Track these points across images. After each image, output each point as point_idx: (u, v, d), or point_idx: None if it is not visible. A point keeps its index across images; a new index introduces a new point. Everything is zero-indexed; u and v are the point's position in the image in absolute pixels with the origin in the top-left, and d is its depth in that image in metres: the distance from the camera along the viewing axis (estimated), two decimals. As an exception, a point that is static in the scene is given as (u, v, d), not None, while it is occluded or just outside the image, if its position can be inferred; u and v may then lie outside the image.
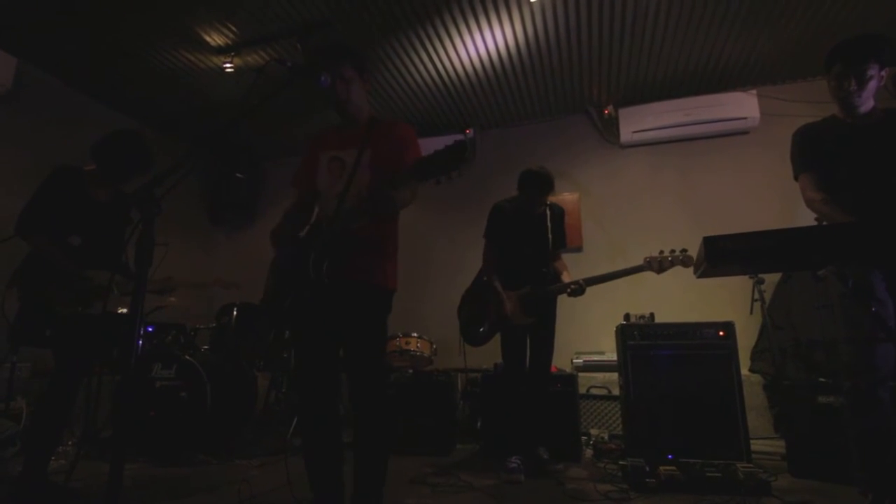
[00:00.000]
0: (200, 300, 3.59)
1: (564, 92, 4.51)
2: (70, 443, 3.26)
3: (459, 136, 4.93)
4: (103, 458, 2.99)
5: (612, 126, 4.69)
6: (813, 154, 2.04)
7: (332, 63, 1.77)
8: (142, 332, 3.28)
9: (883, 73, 1.95)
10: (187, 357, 3.15)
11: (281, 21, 3.49)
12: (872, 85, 1.94)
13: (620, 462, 2.63)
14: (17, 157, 3.77)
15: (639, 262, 2.71)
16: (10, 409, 2.98)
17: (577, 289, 2.72)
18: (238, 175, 5.46)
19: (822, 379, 2.69)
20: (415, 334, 3.70)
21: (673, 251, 2.63)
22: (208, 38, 3.68)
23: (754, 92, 4.27)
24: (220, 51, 3.81)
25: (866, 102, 1.96)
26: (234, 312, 3.68)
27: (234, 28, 3.57)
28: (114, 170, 2.35)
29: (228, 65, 3.88)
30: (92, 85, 4.29)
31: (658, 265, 2.64)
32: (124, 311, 2.44)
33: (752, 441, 2.68)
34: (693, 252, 2.28)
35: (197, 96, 4.46)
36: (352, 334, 1.69)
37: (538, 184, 2.82)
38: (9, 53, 3.67)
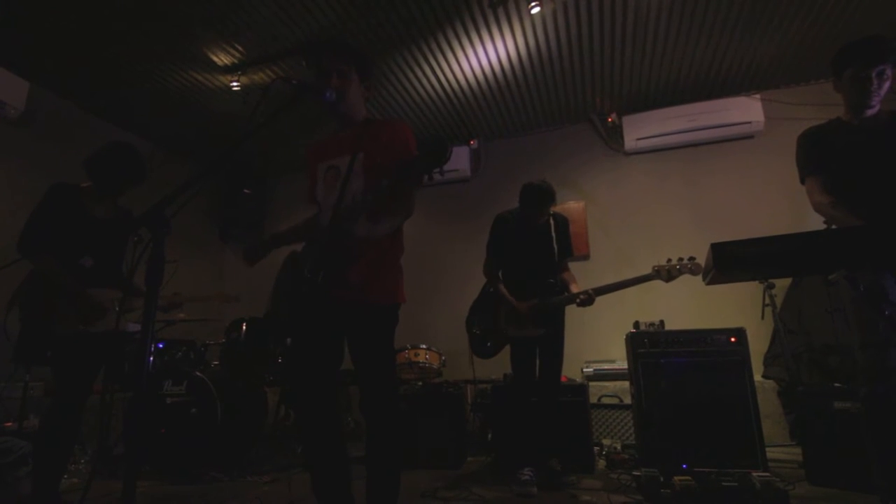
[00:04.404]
0: (209, 313, 3.60)
1: (568, 101, 4.54)
2: (83, 461, 3.27)
3: (460, 142, 4.96)
4: (115, 476, 3.00)
5: (616, 134, 4.70)
6: (819, 157, 2.03)
7: (331, 56, 1.75)
8: (152, 349, 3.31)
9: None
10: (198, 373, 3.16)
11: (286, 40, 3.55)
12: (887, 85, 1.94)
13: (634, 472, 2.59)
14: (32, 179, 3.84)
15: (647, 270, 2.70)
16: (23, 428, 3.00)
17: (587, 299, 2.71)
18: (245, 191, 5.52)
19: (837, 384, 2.65)
20: (423, 346, 3.69)
21: (681, 259, 2.62)
22: (215, 58, 3.74)
23: (758, 96, 4.27)
24: (227, 70, 3.88)
25: (878, 103, 1.95)
26: (244, 327, 3.70)
27: (240, 48, 3.64)
28: (106, 181, 2.35)
29: (235, 83, 3.96)
30: (103, 106, 4.37)
31: (667, 274, 2.63)
32: (136, 327, 2.46)
33: (767, 449, 2.63)
34: (701, 259, 2.26)
35: (205, 115, 4.53)
36: (360, 351, 1.67)
37: (539, 197, 2.82)
38: (21, 77, 3.75)
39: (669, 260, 2.65)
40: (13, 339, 2.16)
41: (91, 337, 2.22)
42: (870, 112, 1.96)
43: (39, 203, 2.25)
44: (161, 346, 3.65)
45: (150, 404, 3.08)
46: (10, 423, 3.05)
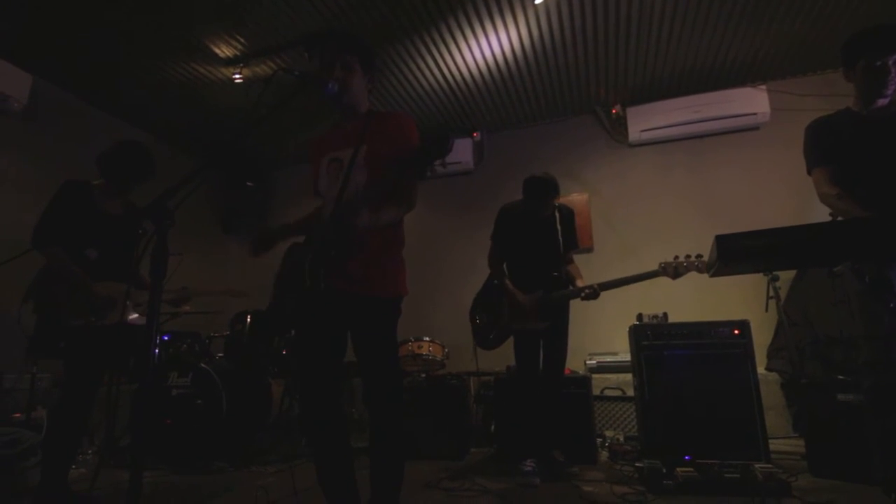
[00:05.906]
0: (213, 306, 3.61)
1: (572, 92, 4.50)
2: (90, 451, 3.31)
3: (463, 133, 4.95)
4: (123, 466, 3.04)
5: (620, 125, 4.67)
6: (827, 148, 2.01)
7: (335, 47, 1.74)
8: (158, 341, 3.33)
9: None
10: (203, 365, 3.18)
11: (288, 31, 3.53)
12: None
13: (637, 464, 2.60)
14: (35, 172, 3.85)
15: (651, 262, 2.69)
16: (31, 419, 3.03)
17: (591, 294, 2.70)
18: (249, 184, 5.52)
19: (840, 376, 2.65)
20: (427, 338, 3.70)
21: (688, 256, 2.60)
22: (218, 50, 3.73)
23: (764, 87, 4.23)
24: (230, 62, 3.86)
25: (892, 93, 1.93)
26: (248, 320, 3.71)
27: (242, 40, 3.62)
28: (118, 178, 2.41)
29: (238, 76, 3.94)
30: (106, 99, 4.36)
31: (673, 271, 2.61)
32: (143, 321, 2.48)
33: (770, 441, 2.64)
34: (706, 253, 2.25)
35: (208, 107, 4.52)
36: (362, 344, 1.68)
37: (542, 190, 2.80)
38: (23, 70, 3.74)
39: (676, 257, 2.64)
40: (28, 332, 2.20)
41: (102, 329, 2.26)
42: (881, 102, 1.94)
43: (52, 197, 2.30)
44: (166, 338, 3.68)
45: (155, 396, 3.11)
46: (18, 415, 3.09)
